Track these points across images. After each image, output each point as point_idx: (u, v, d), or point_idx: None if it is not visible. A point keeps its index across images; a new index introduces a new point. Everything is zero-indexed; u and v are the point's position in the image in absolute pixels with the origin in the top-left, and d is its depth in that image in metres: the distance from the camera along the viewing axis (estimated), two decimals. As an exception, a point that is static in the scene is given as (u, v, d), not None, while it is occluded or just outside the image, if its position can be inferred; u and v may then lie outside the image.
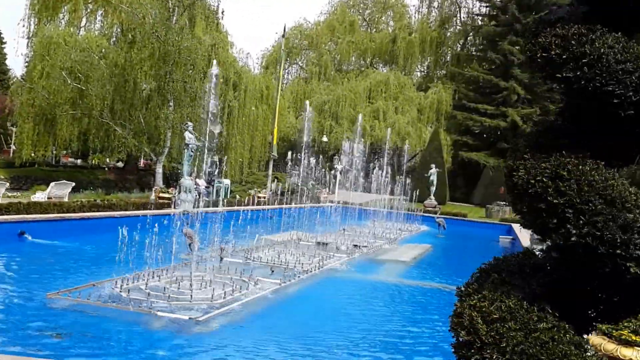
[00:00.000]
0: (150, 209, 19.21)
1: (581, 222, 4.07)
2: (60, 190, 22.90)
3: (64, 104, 30.78)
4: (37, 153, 33.90)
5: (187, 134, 23.80)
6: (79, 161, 49.91)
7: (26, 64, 36.47)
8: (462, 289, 4.54)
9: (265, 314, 10.66)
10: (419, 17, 65.88)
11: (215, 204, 23.17)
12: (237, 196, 30.10)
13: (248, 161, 38.80)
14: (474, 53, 60.90)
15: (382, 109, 50.41)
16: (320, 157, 42.70)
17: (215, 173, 30.95)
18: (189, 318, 9.16)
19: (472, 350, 3.80)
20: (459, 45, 63.96)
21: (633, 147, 4.70)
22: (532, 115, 50.46)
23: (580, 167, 4.24)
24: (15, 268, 12.97)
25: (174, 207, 21.13)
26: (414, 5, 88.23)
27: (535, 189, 4.24)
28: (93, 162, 46.69)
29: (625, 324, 4.14)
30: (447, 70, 61.04)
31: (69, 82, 30.52)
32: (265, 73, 50.26)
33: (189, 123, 24.85)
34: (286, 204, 26.39)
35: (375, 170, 32.04)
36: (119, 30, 35.19)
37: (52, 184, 23.09)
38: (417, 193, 37.64)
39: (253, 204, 26.87)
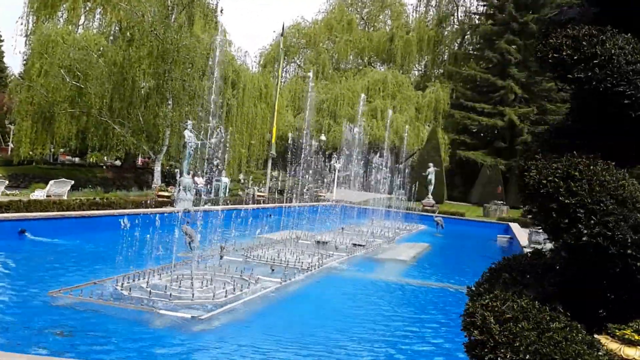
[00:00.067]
0: (150, 207, 19.21)
1: (592, 222, 4.09)
2: (59, 188, 22.81)
3: (63, 102, 30.75)
4: (35, 151, 33.81)
5: (186, 133, 23.78)
6: (76, 159, 49.83)
7: (24, 62, 36.46)
8: (473, 288, 4.55)
9: (266, 313, 10.69)
10: (417, 16, 66.05)
11: (215, 202, 23.16)
12: (240, 193, 30.06)
13: (246, 159, 38.78)
14: (471, 52, 61.09)
15: (380, 108, 50.42)
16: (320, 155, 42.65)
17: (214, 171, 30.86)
18: (192, 317, 9.16)
19: (486, 350, 3.82)
20: (457, 44, 64.10)
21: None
22: (529, 114, 50.59)
23: (592, 167, 4.25)
24: (16, 266, 12.94)
25: (174, 206, 21.13)
26: (411, 4, 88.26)
27: (547, 189, 4.25)
28: (91, 160, 46.60)
29: (631, 323, 4.16)
30: (445, 69, 61.17)
31: (68, 80, 30.48)
32: (263, 71, 50.23)
33: (189, 122, 24.82)
34: (285, 202, 26.38)
35: (373, 169, 32.06)
36: (117, 28, 35.16)
37: (51, 182, 22.92)
38: (415, 192, 37.68)
39: (253, 203, 26.85)
